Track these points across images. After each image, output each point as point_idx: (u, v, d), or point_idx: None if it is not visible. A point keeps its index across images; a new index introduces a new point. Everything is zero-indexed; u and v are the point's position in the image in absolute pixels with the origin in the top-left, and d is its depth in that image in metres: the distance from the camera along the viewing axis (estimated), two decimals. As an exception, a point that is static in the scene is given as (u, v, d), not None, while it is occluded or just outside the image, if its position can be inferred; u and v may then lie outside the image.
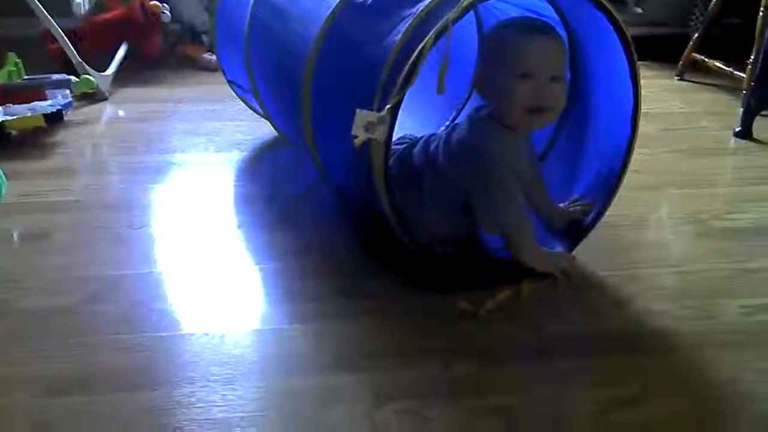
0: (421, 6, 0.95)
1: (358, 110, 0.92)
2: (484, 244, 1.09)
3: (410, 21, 0.94)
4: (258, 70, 1.40)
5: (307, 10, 1.20)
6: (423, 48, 0.89)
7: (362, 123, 0.91)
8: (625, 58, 0.99)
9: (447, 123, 1.39)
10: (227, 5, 1.56)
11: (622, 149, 1.05)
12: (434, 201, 1.05)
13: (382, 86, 0.93)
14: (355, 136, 0.92)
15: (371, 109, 0.92)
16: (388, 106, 0.90)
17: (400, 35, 0.94)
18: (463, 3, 0.89)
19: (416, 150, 1.10)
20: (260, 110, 1.55)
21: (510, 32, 0.99)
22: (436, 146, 1.07)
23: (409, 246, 1.02)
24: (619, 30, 0.97)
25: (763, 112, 1.73)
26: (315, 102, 1.13)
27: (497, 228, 1.02)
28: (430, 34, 0.89)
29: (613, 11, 0.96)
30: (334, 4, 1.10)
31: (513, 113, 0.98)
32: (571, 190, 1.15)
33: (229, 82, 1.64)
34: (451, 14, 0.89)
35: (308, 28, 1.14)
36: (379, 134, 0.91)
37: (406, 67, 0.90)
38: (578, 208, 1.12)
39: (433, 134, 1.12)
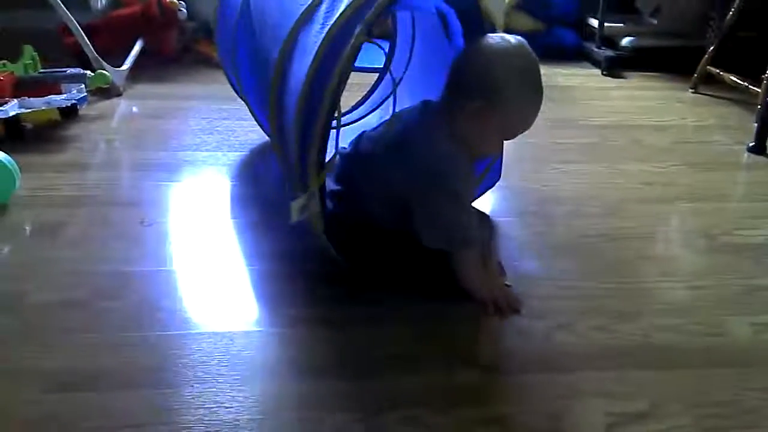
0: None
1: (291, 203, 0.97)
2: None
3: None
4: (242, 74, 1.38)
5: (281, 20, 1.13)
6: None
7: (297, 209, 0.97)
8: None
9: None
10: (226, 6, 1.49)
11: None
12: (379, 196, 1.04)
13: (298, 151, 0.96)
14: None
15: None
16: (312, 188, 0.95)
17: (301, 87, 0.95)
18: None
19: (361, 146, 1.09)
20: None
21: (524, 91, 0.97)
22: (378, 141, 1.07)
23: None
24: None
25: (778, 128, 1.72)
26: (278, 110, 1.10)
27: (441, 240, 0.99)
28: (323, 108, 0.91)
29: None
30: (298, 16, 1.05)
31: (488, 143, 1.03)
32: None
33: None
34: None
35: (279, 34, 1.09)
36: (313, 208, 0.96)
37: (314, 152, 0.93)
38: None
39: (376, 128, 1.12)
